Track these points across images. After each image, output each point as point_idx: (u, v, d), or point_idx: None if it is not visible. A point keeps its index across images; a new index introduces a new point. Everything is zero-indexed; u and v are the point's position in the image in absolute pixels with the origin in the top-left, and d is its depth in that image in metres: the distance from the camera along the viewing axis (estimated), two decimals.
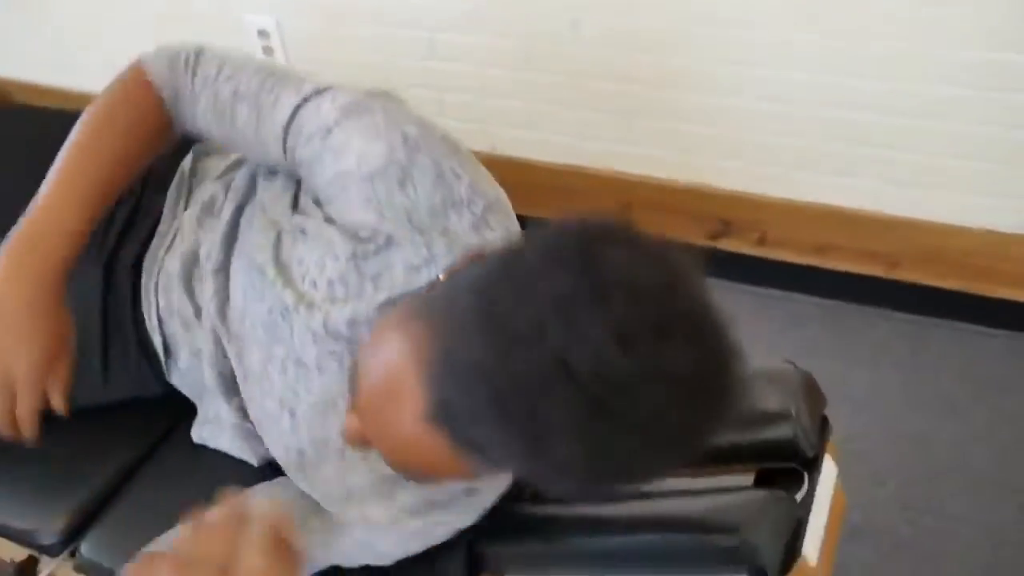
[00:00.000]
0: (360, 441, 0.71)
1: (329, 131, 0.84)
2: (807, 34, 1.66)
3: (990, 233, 1.73)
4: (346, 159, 0.82)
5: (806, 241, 1.91)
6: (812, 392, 0.94)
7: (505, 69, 1.97)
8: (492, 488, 0.90)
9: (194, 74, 0.94)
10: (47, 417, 1.08)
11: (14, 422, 0.85)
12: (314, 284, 0.85)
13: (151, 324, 1.05)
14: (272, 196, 0.94)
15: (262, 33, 2.16)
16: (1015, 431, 1.66)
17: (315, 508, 0.90)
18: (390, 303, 0.82)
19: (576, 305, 0.54)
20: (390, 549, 0.89)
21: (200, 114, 0.94)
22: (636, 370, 0.53)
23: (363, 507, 0.87)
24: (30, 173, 0.93)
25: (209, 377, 0.99)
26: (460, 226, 0.82)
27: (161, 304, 1.03)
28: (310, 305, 0.85)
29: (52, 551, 1.06)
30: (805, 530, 0.81)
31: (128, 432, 1.11)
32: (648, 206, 2.03)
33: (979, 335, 1.82)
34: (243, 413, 0.99)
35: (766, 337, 1.88)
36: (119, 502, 1.04)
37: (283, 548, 0.57)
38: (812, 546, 0.81)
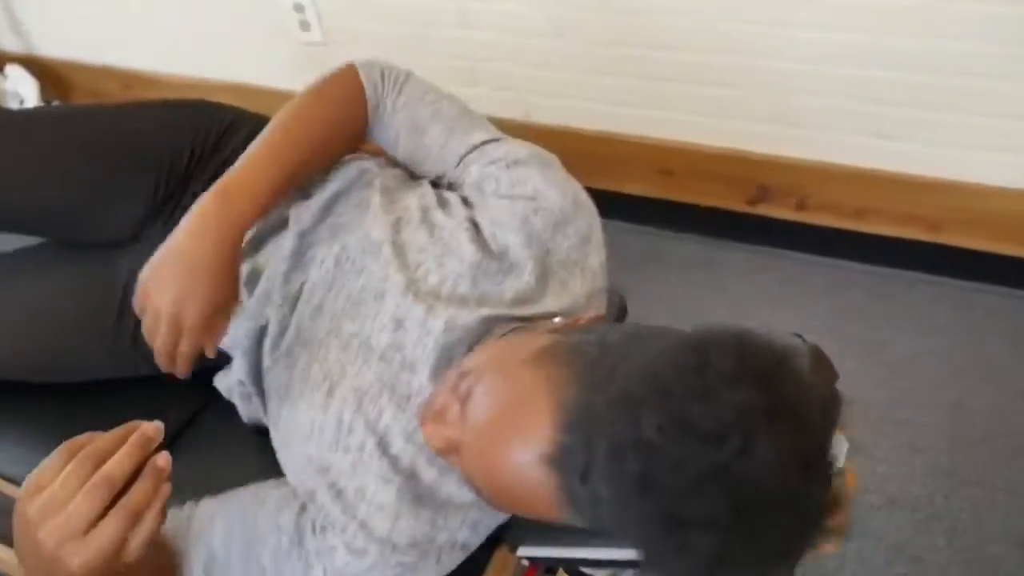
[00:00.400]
0: (447, 449, 0.76)
1: (516, 163, 0.95)
2: None
3: None
4: (522, 188, 0.93)
5: (846, 205, 1.88)
6: (821, 366, 0.93)
7: (536, 37, 1.95)
8: (459, 555, 0.90)
9: (400, 92, 1.03)
10: (96, 390, 1.14)
11: (174, 358, 0.89)
12: (427, 275, 0.90)
13: None
14: (399, 183, 1.02)
15: (297, 7, 2.17)
16: None
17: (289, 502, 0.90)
18: (492, 320, 0.88)
19: (754, 423, 0.60)
20: None
21: (396, 126, 1.03)
22: (785, 496, 0.61)
23: (369, 511, 0.86)
24: None
25: (244, 333, 1.02)
26: (577, 289, 0.92)
27: None
28: (417, 293, 0.89)
29: None
30: None
31: (175, 397, 1.12)
32: (686, 172, 2.01)
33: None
34: (254, 376, 1.01)
35: (807, 303, 1.87)
36: None
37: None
38: None
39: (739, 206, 1.99)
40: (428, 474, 0.88)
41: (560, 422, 0.66)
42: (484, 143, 0.98)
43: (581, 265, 0.94)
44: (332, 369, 0.91)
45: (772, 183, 1.93)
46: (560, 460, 0.65)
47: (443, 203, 0.96)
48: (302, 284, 0.97)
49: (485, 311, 0.88)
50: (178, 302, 0.86)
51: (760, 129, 1.88)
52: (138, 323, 1.09)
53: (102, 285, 1.13)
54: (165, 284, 0.86)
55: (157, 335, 0.87)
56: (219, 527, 0.89)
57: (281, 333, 0.98)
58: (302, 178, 0.98)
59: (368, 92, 1.02)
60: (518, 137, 2.17)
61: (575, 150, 2.09)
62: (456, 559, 0.90)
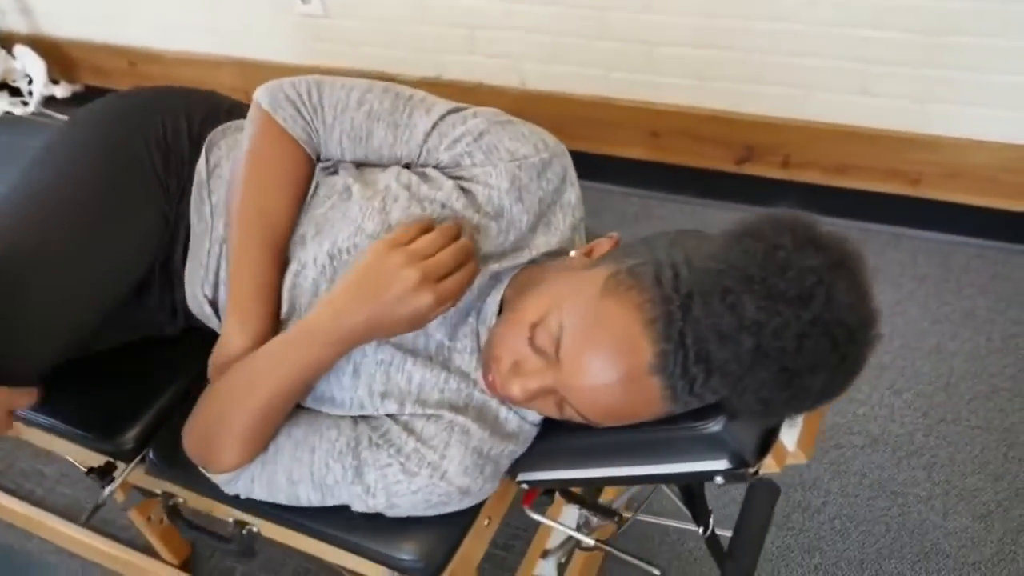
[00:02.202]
0: (529, 398, 0.84)
1: (481, 135, 0.98)
2: None
3: (1009, 147, 1.74)
4: (498, 154, 0.97)
5: (829, 162, 1.94)
6: None
7: (530, 4, 2.01)
8: (493, 487, 0.98)
9: (321, 107, 1.03)
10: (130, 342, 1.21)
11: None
12: None
13: (196, 304, 1.13)
14: (368, 169, 1.04)
15: None
16: None
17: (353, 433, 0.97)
18: (499, 274, 0.95)
19: (827, 277, 0.73)
20: (404, 506, 0.94)
21: (335, 140, 1.04)
22: (863, 324, 0.75)
23: (420, 442, 0.93)
24: None
25: None
26: (561, 224, 1.00)
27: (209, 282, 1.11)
28: None
29: (126, 456, 1.19)
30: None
31: (197, 350, 1.10)
32: (676, 134, 2.07)
33: (1002, 251, 1.85)
34: None
35: None
36: (186, 409, 1.05)
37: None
38: (789, 435, 0.88)
39: (727, 166, 2.05)
40: (471, 412, 0.94)
41: (651, 336, 0.76)
42: (435, 125, 1.00)
43: (560, 203, 1.01)
44: (352, 352, 0.95)
45: (758, 143, 1.99)
46: (662, 365, 0.76)
47: (424, 177, 0.99)
48: (295, 279, 1.00)
49: (492, 267, 0.95)
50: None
51: (746, 89, 1.94)
52: (163, 288, 1.16)
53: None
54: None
55: None
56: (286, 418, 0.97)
57: (285, 322, 1.00)
58: (287, 238, 1.02)
59: (294, 131, 1.02)
60: (517, 104, 2.22)
61: (568, 115, 2.17)
62: (491, 490, 0.97)
